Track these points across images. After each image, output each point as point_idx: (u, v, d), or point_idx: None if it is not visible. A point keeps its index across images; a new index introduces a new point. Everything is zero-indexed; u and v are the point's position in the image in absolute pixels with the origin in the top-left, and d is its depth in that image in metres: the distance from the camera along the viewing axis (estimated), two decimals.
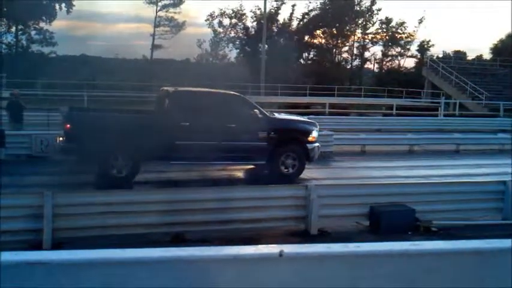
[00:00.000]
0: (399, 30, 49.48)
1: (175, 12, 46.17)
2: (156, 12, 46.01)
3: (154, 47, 46.52)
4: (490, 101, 32.79)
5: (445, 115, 28.73)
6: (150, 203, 7.35)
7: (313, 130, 11.88)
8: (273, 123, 11.55)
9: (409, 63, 51.64)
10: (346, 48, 50.40)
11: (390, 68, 50.81)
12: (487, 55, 50.66)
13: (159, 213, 7.32)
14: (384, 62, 51.11)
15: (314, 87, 38.65)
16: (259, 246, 3.01)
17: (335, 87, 39.15)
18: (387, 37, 49.64)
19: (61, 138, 10.42)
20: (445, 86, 37.33)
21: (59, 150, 10.51)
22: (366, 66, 51.79)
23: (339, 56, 50.48)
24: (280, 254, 2.82)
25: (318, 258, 3.04)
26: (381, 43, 50.16)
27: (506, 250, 3.24)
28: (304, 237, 7.73)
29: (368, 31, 49.79)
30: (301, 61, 48.69)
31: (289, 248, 2.88)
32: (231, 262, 2.81)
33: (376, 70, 51.92)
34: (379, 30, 49.90)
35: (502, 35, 51.70)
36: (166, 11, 46.14)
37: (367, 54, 50.82)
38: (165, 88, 11.78)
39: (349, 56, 50.88)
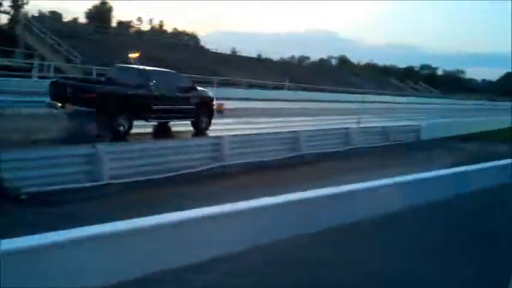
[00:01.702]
0: None
1: None
2: None
3: None
4: (84, 64, 33.63)
5: (39, 77, 27.91)
6: None
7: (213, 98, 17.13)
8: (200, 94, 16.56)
9: (2, 20, 47.56)
10: None
11: None
12: (83, 19, 51.57)
13: None
14: None
15: None
16: None
17: None
18: None
19: None
20: (40, 47, 36.19)
21: None
22: None
23: None
24: None
25: None
26: None
27: None
28: None
29: None
30: None
31: None
32: None
33: None
34: None
35: (97, 1, 53.36)
36: None
37: None
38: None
39: None
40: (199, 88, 17.15)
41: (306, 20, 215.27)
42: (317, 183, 9.60)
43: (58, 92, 14.43)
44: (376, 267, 5.71)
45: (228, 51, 65.81)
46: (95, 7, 52.64)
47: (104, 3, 53.20)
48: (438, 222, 7.22)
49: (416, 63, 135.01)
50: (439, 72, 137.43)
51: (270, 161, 12.22)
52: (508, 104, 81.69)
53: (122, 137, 13.27)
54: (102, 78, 17.15)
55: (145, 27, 61.43)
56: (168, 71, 16.95)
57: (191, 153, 11.03)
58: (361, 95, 29.82)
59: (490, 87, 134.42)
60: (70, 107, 13.40)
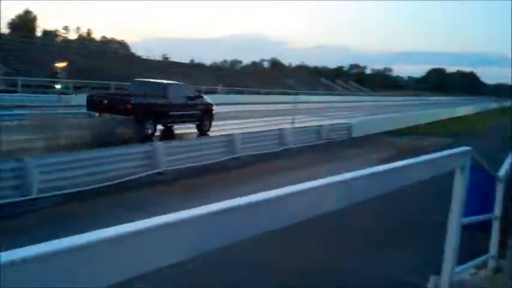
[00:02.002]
0: None
1: None
2: None
3: None
4: (7, 76, 32.19)
5: None
6: None
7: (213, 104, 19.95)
8: (204, 101, 19.49)
9: None
10: None
11: None
12: (5, 30, 49.35)
13: None
14: None
15: None
16: None
17: None
18: None
19: None
20: None
21: None
22: None
23: None
24: None
25: None
26: None
27: None
28: None
29: None
30: None
31: None
32: None
33: None
34: None
35: (20, 10, 51.20)
36: None
37: None
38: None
39: None
40: (203, 96, 20.23)
41: (237, 25, 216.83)
42: (252, 184, 9.71)
43: (94, 103, 17.22)
44: (313, 264, 5.81)
45: (159, 58, 65.04)
46: (18, 17, 50.46)
47: (27, 13, 51.16)
48: (376, 218, 7.45)
49: (345, 63, 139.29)
50: (368, 71, 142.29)
51: (206, 165, 12.18)
52: (432, 98, 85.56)
53: (149, 138, 15.41)
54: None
55: (72, 35, 59.69)
56: (179, 83, 20.41)
57: (126, 161, 10.78)
58: (294, 96, 30.28)
59: (415, 83, 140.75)
60: (107, 116, 15.96)
